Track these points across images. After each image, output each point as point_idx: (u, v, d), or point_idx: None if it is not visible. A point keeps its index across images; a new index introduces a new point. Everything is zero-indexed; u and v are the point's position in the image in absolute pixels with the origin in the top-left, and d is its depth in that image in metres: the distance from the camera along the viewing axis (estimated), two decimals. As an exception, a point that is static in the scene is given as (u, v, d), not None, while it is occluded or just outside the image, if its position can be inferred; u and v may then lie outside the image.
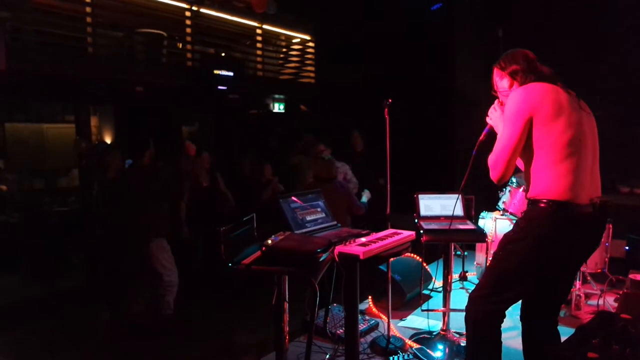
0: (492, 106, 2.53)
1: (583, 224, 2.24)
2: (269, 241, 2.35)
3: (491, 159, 2.34)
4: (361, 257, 2.48)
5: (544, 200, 2.21)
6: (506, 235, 2.39)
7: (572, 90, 2.36)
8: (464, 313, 2.45)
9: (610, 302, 4.10)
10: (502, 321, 2.39)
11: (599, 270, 4.30)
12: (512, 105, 2.28)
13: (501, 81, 2.49)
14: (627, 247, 4.86)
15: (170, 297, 4.19)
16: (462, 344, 3.33)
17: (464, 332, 3.40)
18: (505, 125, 2.29)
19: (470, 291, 2.51)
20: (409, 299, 4.31)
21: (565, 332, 3.55)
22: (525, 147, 2.26)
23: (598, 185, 2.34)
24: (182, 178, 5.15)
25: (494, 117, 2.49)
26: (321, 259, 2.31)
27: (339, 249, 2.54)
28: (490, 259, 2.50)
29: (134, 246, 4.13)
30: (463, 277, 4.93)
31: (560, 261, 2.32)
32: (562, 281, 2.47)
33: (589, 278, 4.35)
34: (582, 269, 4.20)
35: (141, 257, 4.11)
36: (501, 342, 2.40)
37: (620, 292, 3.97)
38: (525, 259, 2.26)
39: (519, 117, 2.23)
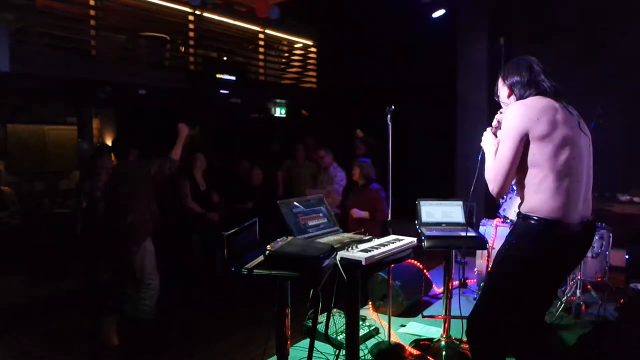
0: (488, 129, 2.54)
1: (571, 241, 2.25)
2: (272, 246, 2.35)
3: (489, 173, 2.35)
4: (363, 263, 2.49)
5: (535, 217, 2.21)
6: (499, 253, 2.39)
7: (574, 109, 2.34)
8: (464, 325, 2.45)
9: (610, 311, 4.10)
10: (503, 339, 2.38)
11: (599, 280, 4.31)
12: (508, 121, 2.27)
13: (501, 90, 2.48)
14: (627, 256, 4.86)
15: (150, 302, 4.06)
16: (462, 351, 3.33)
17: (464, 339, 3.42)
18: (503, 139, 2.29)
19: (470, 298, 2.51)
20: (409, 305, 4.31)
21: (566, 340, 3.57)
22: (521, 162, 2.27)
23: (590, 205, 2.33)
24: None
25: (486, 141, 2.50)
26: (324, 265, 2.31)
27: (341, 254, 2.54)
28: (486, 277, 2.51)
29: (118, 247, 4.07)
30: (463, 284, 4.92)
31: (550, 278, 2.35)
32: (547, 297, 2.50)
33: (589, 287, 4.35)
34: (582, 278, 4.21)
35: (124, 259, 4.04)
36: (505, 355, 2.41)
37: (621, 302, 3.98)
38: (519, 279, 2.28)
39: (515, 132, 2.22)
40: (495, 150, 2.35)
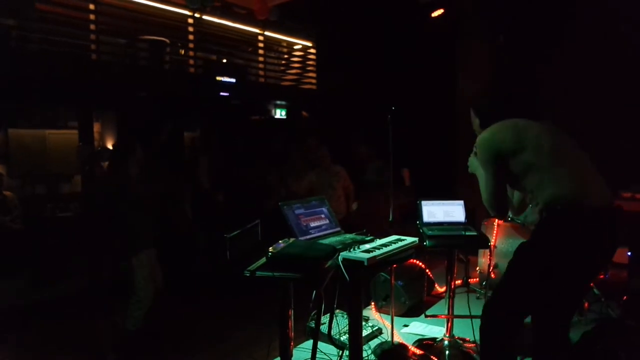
0: (471, 154, 2.67)
1: (597, 224, 2.23)
2: (274, 247, 2.36)
3: (484, 201, 2.48)
4: (366, 263, 2.49)
5: (558, 206, 2.22)
6: (522, 244, 2.40)
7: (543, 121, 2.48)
8: (466, 324, 2.45)
9: (613, 308, 4.09)
10: (517, 332, 2.37)
11: (601, 277, 4.30)
12: (480, 151, 2.45)
13: (473, 120, 2.70)
14: (629, 253, 4.85)
15: (137, 313, 3.94)
16: (465, 350, 3.33)
17: (467, 338, 3.43)
18: (483, 169, 2.45)
19: (476, 296, 2.52)
20: (412, 305, 4.32)
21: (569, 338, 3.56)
22: (513, 179, 2.38)
23: (605, 189, 2.32)
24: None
25: (472, 166, 2.66)
26: (326, 266, 2.32)
27: (344, 255, 2.54)
28: (506, 267, 2.49)
29: (116, 255, 4.04)
30: (466, 283, 4.92)
31: (576, 265, 2.28)
32: (576, 289, 2.43)
33: (592, 284, 4.34)
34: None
35: (122, 268, 4.00)
36: (515, 355, 2.40)
37: (624, 299, 3.98)
38: (542, 264, 2.26)
39: (489, 160, 2.39)
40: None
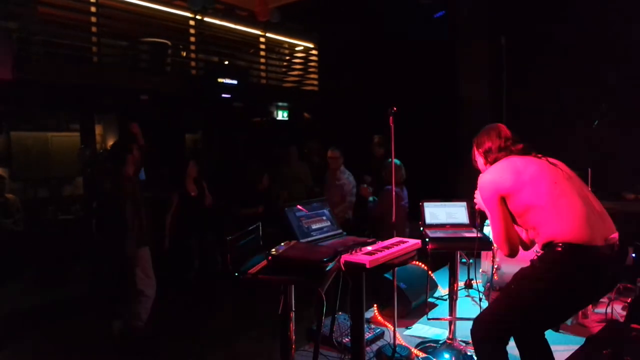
0: (476, 190, 2.66)
1: (601, 265, 2.21)
2: (275, 250, 2.34)
3: (494, 240, 2.49)
4: (367, 266, 2.47)
5: (560, 244, 2.20)
6: (522, 270, 2.38)
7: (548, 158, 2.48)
8: (470, 326, 2.45)
9: (618, 310, 4.06)
10: (507, 343, 2.38)
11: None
12: (482, 193, 2.48)
13: (477, 158, 2.67)
14: (634, 255, 4.82)
15: (141, 309, 4.01)
16: (468, 353, 3.31)
17: (470, 341, 3.40)
18: (487, 209, 2.47)
19: (476, 299, 2.50)
20: (414, 307, 4.29)
21: (573, 341, 3.54)
22: (517, 218, 2.39)
23: (610, 223, 2.30)
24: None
25: (479, 201, 2.64)
26: (328, 268, 2.30)
27: (345, 257, 2.52)
28: (501, 290, 2.51)
29: (114, 253, 4.06)
30: (469, 285, 4.87)
31: (573, 301, 2.32)
32: (567, 316, 2.49)
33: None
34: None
35: (120, 266, 4.02)
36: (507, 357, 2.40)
37: (629, 300, 3.94)
38: (540, 298, 2.26)
39: (491, 201, 2.41)
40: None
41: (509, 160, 2.46)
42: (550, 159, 2.47)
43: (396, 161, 5.12)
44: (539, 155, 2.48)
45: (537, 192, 2.29)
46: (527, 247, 2.57)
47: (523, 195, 2.33)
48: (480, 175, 2.54)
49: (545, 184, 2.30)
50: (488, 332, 2.37)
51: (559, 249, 2.19)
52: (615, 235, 2.25)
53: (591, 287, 2.26)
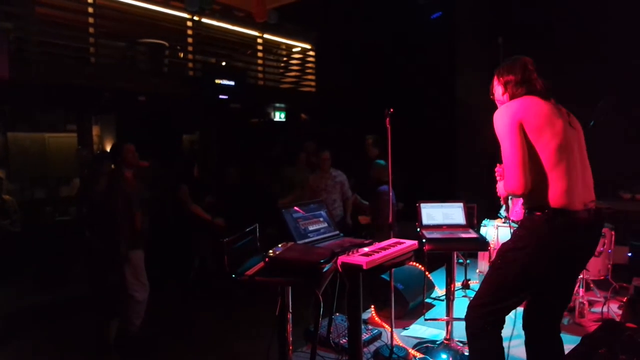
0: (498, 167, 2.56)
1: (580, 229, 2.27)
2: (272, 252, 2.35)
3: (507, 176, 2.30)
4: (364, 267, 2.48)
5: (540, 209, 2.25)
6: (504, 244, 2.41)
7: (562, 107, 2.41)
8: (465, 322, 2.46)
9: (614, 309, 4.08)
10: (502, 327, 2.40)
11: (602, 277, 4.29)
12: (501, 122, 2.32)
13: (496, 88, 2.57)
14: (629, 254, 4.84)
15: (131, 314, 3.97)
16: (465, 353, 3.32)
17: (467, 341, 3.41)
18: (502, 140, 2.31)
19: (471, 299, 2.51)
20: (411, 307, 4.30)
21: (569, 340, 3.54)
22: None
23: (591, 191, 2.37)
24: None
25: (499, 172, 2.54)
26: (325, 270, 2.31)
27: (342, 259, 2.53)
28: (488, 268, 2.51)
29: (107, 257, 4.05)
30: (465, 286, 4.89)
31: (558, 268, 2.33)
32: (561, 288, 2.48)
33: (592, 285, 4.34)
34: (585, 276, 4.20)
35: (112, 268, 4.01)
36: (503, 349, 2.41)
37: (624, 299, 3.96)
38: (525, 267, 2.28)
39: (511, 129, 2.27)
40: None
41: (537, 100, 2.35)
42: (571, 118, 2.40)
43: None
44: (562, 108, 2.40)
45: (548, 147, 2.25)
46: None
47: (538, 142, 2.25)
48: (501, 106, 2.41)
49: (557, 143, 2.25)
50: (481, 314, 2.37)
51: (539, 213, 2.24)
52: (594, 201, 2.33)
53: (570, 250, 2.29)
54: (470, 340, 2.46)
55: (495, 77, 2.55)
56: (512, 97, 2.42)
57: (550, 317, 2.50)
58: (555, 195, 2.23)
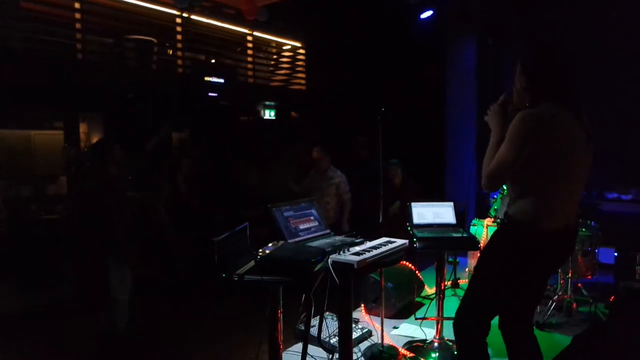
0: (493, 104, 2.42)
1: (554, 243, 2.27)
2: (263, 251, 2.33)
3: (486, 165, 2.26)
4: (356, 266, 2.47)
5: (520, 220, 2.24)
6: (483, 251, 2.48)
7: (584, 117, 2.24)
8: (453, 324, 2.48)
9: (601, 309, 4.12)
10: (487, 333, 2.42)
11: (589, 277, 4.33)
12: (518, 126, 2.15)
13: (519, 79, 2.32)
14: (615, 254, 4.91)
15: (116, 317, 3.89)
16: (455, 352, 3.33)
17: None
18: (507, 140, 2.19)
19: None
20: (401, 306, 4.31)
21: (558, 340, 3.58)
22: (522, 164, 2.22)
23: (575, 210, 2.33)
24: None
25: (490, 115, 2.41)
26: (316, 269, 2.30)
27: (333, 258, 2.53)
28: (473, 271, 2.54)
29: (93, 256, 3.99)
30: (455, 284, 4.93)
31: (526, 274, 2.33)
32: (532, 292, 2.47)
33: (579, 285, 4.38)
34: (572, 276, 4.23)
35: (97, 268, 3.92)
36: (488, 354, 2.44)
37: (611, 299, 4.01)
38: (499, 273, 2.32)
39: (517, 141, 2.14)
40: (497, 141, 2.26)
41: (558, 118, 2.13)
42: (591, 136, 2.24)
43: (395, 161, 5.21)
44: (583, 121, 2.21)
45: (551, 169, 2.16)
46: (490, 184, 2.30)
47: (541, 160, 2.14)
48: (523, 112, 2.16)
49: (563, 168, 2.16)
50: (470, 317, 2.40)
51: (517, 223, 2.23)
52: (574, 219, 2.31)
53: (542, 259, 2.29)
54: (458, 341, 2.50)
55: (521, 67, 2.29)
56: (532, 100, 2.23)
57: (522, 318, 2.49)
58: (540, 214, 2.20)
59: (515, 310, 2.43)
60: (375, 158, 5.90)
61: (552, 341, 3.56)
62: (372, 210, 4.39)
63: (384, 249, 2.75)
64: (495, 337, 2.45)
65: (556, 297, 4.14)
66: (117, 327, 3.92)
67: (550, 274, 2.70)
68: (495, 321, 2.44)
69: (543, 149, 2.14)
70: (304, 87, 9.10)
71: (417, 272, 4.68)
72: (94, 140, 7.82)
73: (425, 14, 6.41)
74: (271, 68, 9.18)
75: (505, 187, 4.56)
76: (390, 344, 3.58)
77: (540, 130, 2.12)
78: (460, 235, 3.36)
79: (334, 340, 3.39)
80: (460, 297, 4.57)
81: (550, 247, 2.28)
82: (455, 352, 3.31)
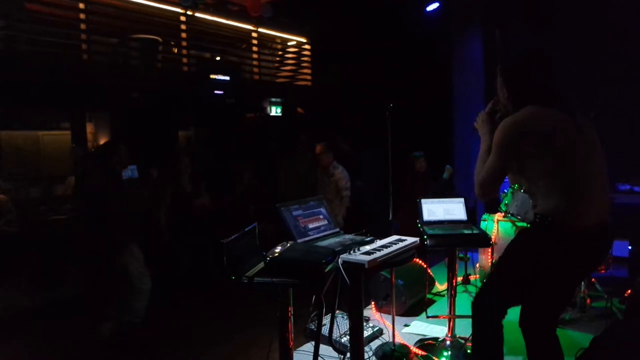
0: (481, 112, 2.50)
1: (587, 244, 2.21)
2: (273, 252, 2.30)
3: (478, 177, 2.31)
4: (367, 266, 2.44)
5: (549, 219, 2.18)
6: (512, 242, 2.43)
7: (573, 112, 2.24)
8: (469, 323, 2.44)
9: (616, 303, 4.06)
10: (504, 316, 2.40)
11: (602, 271, 4.27)
12: (498, 137, 2.22)
13: (500, 89, 2.41)
14: (630, 247, 4.84)
15: (138, 306, 4.02)
16: (468, 351, 3.29)
17: (469, 337, 3.38)
18: (493, 151, 2.25)
19: (473, 295, 2.50)
20: (412, 304, 4.27)
21: (572, 337, 3.53)
22: (525, 170, 2.22)
23: (606, 208, 2.27)
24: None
25: (478, 123, 2.49)
26: (326, 270, 2.26)
27: (344, 258, 2.49)
28: (497, 259, 2.52)
29: (105, 252, 4.04)
30: (466, 281, 4.89)
31: (558, 274, 2.27)
32: (559, 292, 2.39)
33: (593, 280, 4.32)
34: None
35: (113, 264, 4.00)
36: (502, 338, 2.40)
37: (627, 293, 3.94)
38: (525, 266, 2.30)
39: (502, 149, 2.20)
40: (486, 150, 2.34)
41: (545, 115, 2.18)
42: (587, 124, 2.25)
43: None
44: (582, 127, 2.21)
45: (562, 164, 2.13)
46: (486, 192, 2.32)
47: (546, 161, 2.14)
48: (505, 121, 2.22)
49: (568, 161, 2.15)
50: (491, 300, 2.39)
51: (547, 223, 2.17)
52: (607, 215, 2.24)
53: (573, 261, 2.23)
54: (475, 324, 2.46)
55: (500, 78, 2.36)
56: (514, 107, 2.26)
57: (545, 318, 2.41)
58: (567, 210, 2.15)
59: (543, 309, 2.37)
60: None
61: (566, 338, 3.50)
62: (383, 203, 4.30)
63: (394, 247, 2.71)
64: (508, 334, 2.40)
65: (569, 292, 4.07)
66: (138, 317, 4.00)
67: (585, 274, 2.64)
68: (513, 317, 2.39)
69: (535, 150, 2.15)
70: (309, 83, 9.05)
71: (428, 269, 4.63)
72: (101, 140, 7.84)
73: (431, 7, 6.34)
74: (276, 64, 9.14)
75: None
76: (402, 342, 3.54)
77: (520, 135, 2.16)
78: (471, 232, 3.30)
79: (344, 340, 3.36)
80: (471, 294, 4.55)
81: (584, 245, 2.20)
82: (468, 350, 3.27)
